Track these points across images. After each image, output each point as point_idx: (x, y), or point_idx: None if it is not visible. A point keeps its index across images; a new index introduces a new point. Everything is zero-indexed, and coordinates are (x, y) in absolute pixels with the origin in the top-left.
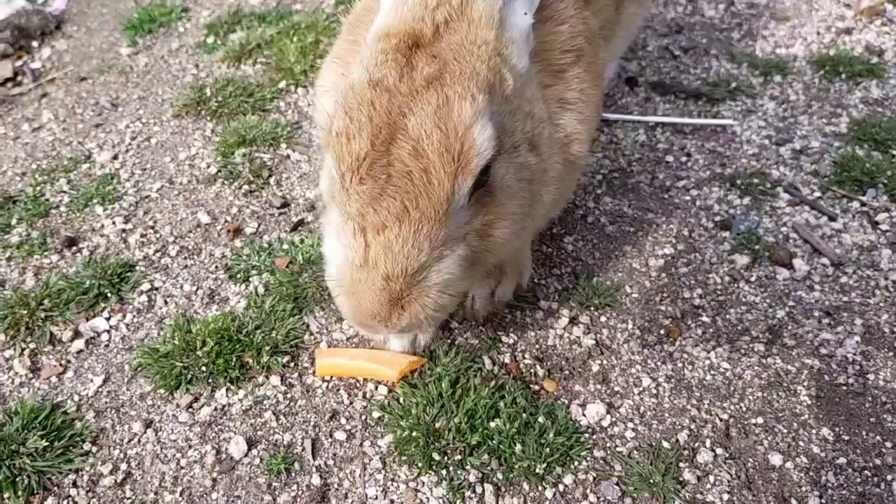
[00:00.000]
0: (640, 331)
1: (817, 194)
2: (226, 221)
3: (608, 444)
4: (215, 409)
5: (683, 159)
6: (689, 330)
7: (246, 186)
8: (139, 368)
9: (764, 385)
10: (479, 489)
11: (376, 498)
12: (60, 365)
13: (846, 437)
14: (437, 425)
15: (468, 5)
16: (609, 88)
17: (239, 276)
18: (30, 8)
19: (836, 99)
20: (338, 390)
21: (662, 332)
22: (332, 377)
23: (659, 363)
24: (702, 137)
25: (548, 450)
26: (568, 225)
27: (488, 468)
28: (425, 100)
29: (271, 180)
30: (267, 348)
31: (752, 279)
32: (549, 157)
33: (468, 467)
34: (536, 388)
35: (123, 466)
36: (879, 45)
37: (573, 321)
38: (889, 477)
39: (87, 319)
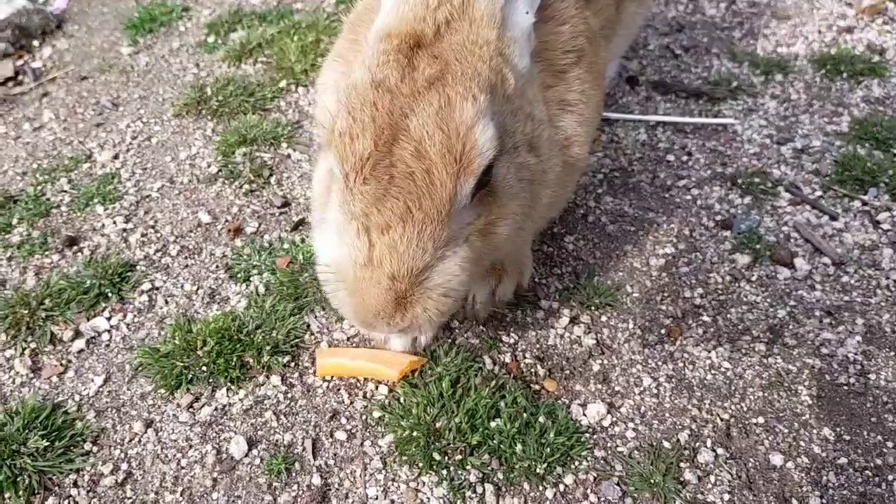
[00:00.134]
0: (641, 330)
1: (818, 193)
2: (226, 221)
3: (609, 444)
4: (216, 408)
5: (684, 158)
6: (689, 329)
7: (247, 186)
8: (140, 368)
9: (765, 385)
10: (479, 489)
11: (377, 498)
12: (61, 365)
13: (847, 437)
14: (438, 425)
15: (470, 5)
16: (610, 87)
17: (239, 275)
18: (31, 7)
19: (838, 98)
20: (338, 390)
21: (663, 331)
22: (332, 377)
23: (660, 363)
24: (703, 136)
25: (548, 450)
26: (569, 224)
27: (489, 468)
28: (427, 100)
29: (272, 180)
30: (267, 348)
31: (753, 279)
32: (549, 159)
33: (469, 467)
34: (537, 387)
35: (124, 466)
36: (881, 44)
37: (574, 321)
38: (890, 477)
39: (88, 319)
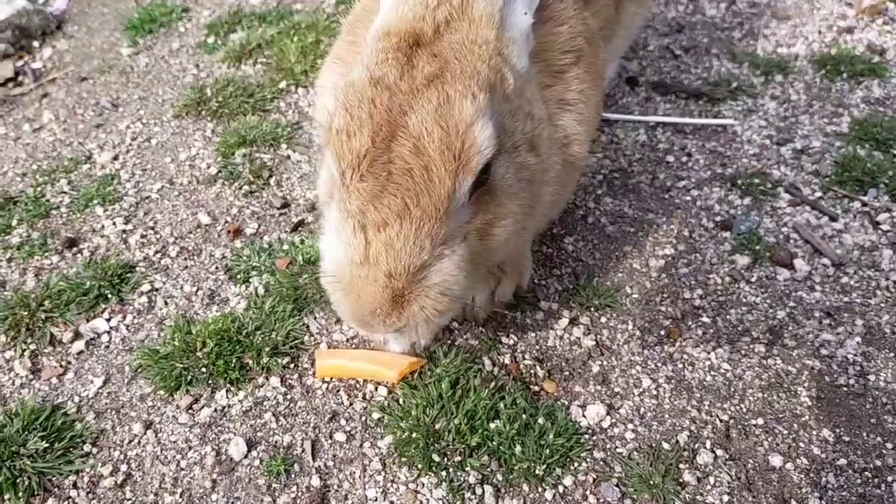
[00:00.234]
0: (641, 331)
1: (818, 194)
2: (226, 222)
3: (608, 446)
4: (215, 410)
5: (684, 159)
6: (689, 331)
7: (246, 187)
8: (139, 370)
9: (764, 386)
10: (478, 490)
11: (376, 499)
12: (61, 366)
13: (846, 439)
14: (437, 426)
15: (469, 5)
16: (610, 88)
17: (239, 276)
18: (31, 8)
19: (838, 98)
20: (338, 391)
21: (663, 332)
22: (331, 378)
23: (659, 364)
24: (702, 137)
25: (548, 451)
26: (568, 225)
27: (488, 469)
28: (426, 98)
29: (271, 181)
30: (267, 349)
31: (753, 280)
32: (549, 158)
33: (468, 468)
34: (536, 389)
35: (124, 468)
36: (881, 45)
37: (573, 322)
38: (889, 478)
39: (88, 320)
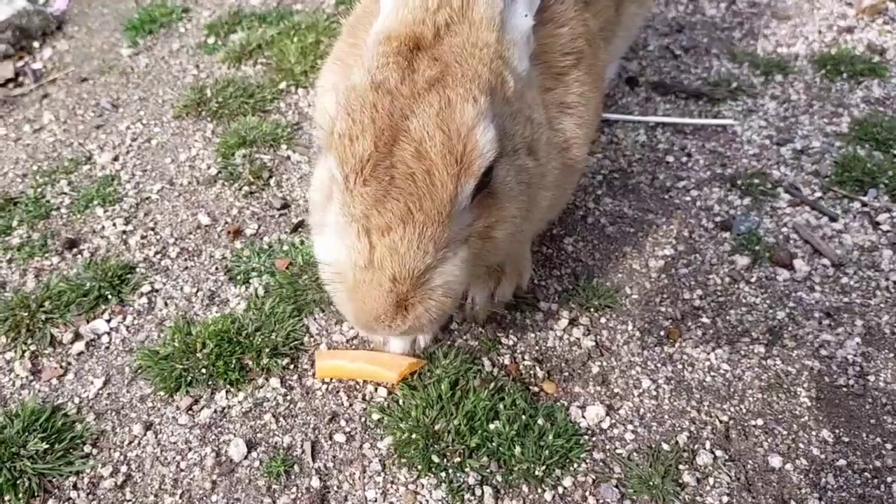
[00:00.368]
0: (640, 332)
1: (818, 194)
2: (226, 223)
3: (608, 447)
4: (215, 411)
5: (684, 160)
6: (689, 331)
7: (246, 188)
8: (139, 370)
9: (764, 386)
10: (478, 491)
11: (376, 500)
12: (61, 367)
13: (846, 439)
14: (437, 427)
15: (469, 7)
16: (609, 88)
17: (239, 277)
18: (31, 8)
19: (838, 98)
20: (337, 392)
21: (662, 333)
22: (331, 379)
23: (659, 365)
24: (702, 137)
25: (547, 452)
26: (568, 226)
27: (488, 470)
28: (427, 102)
29: (271, 181)
30: (267, 350)
31: (753, 280)
32: (547, 163)
33: (467, 469)
34: (536, 389)
35: (124, 469)
36: (881, 44)
37: (573, 322)
38: (889, 479)
39: (88, 321)
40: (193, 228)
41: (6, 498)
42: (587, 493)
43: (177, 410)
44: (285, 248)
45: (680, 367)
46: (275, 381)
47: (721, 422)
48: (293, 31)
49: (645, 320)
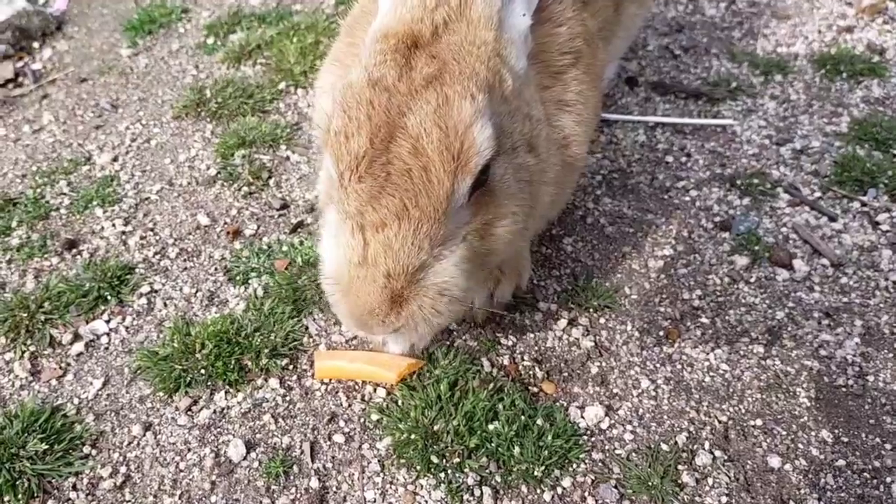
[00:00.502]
0: (640, 332)
1: (817, 194)
2: (225, 223)
3: (607, 447)
4: (214, 411)
5: (683, 160)
6: (688, 331)
7: (245, 188)
8: (139, 371)
9: (763, 387)
10: (477, 492)
11: (375, 501)
12: (60, 368)
13: (845, 439)
14: (436, 428)
15: (467, 6)
16: (609, 88)
17: (238, 278)
18: (30, 9)
19: (837, 98)
20: (336, 393)
21: (661, 333)
22: (330, 379)
23: (658, 365)
24: (702, 137)
25: (546, 452)
26: (567, 226)
27: (487, 471)
28: (425, 99)
29: (271, 182)
30: (266, 351)
31: (752, 280)
32: (548, 159)
33: (466, 470)
34: (535, 390)
35: (123, 469)
36: (881, 44)
37: (572, 323)
38: (888, 479)
39: (87, 322)
40: (193, 229)
41: (6, 499)
42: (586, 494)
43: (176, 411)
44: (284, 248)
45: (679, 367)
46: (274, 382)
47: (720, 422)
48: (292, 32)
49: (644, 320)
